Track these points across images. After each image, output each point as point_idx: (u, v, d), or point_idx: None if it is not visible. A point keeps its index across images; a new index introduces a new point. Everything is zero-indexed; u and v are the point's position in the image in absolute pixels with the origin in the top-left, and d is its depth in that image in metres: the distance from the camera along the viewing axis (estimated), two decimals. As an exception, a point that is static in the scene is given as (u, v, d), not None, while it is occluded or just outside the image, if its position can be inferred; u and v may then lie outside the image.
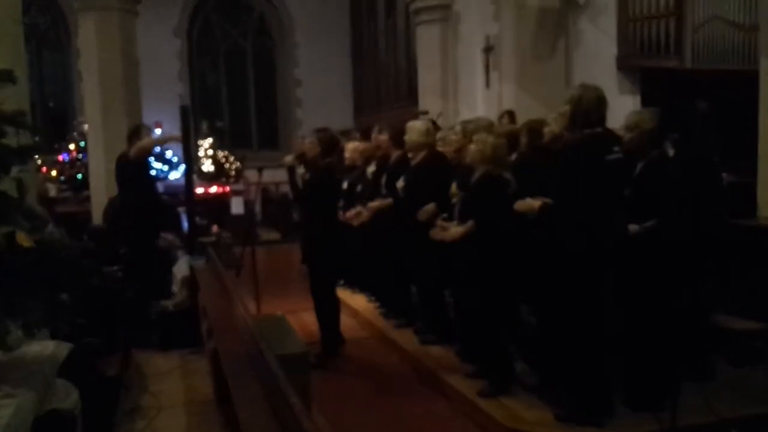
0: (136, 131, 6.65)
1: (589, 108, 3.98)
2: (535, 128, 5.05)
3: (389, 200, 6.15)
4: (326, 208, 5.75)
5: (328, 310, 5.85)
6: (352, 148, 7.66)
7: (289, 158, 6.04)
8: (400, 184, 5.85)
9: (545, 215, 4.11)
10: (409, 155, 5.99)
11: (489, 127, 5.38)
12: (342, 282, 8.22)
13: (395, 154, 6.29)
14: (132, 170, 6.45)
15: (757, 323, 5.19)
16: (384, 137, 6.47)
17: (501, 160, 4.59)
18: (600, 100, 4.02)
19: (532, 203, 4.19)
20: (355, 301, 7.62)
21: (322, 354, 5.68)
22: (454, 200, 4.99)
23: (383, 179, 6.36)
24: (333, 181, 5.80)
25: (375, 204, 6.32)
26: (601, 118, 4.04)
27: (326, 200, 5.74)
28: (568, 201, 3.96)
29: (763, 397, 4.50)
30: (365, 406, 4.96)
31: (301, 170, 6.01)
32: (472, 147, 4.67)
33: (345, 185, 6.92)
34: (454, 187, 5.04)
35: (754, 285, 5.27)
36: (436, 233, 4.85)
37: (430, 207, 5.32)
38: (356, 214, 6.45)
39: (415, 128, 5.81)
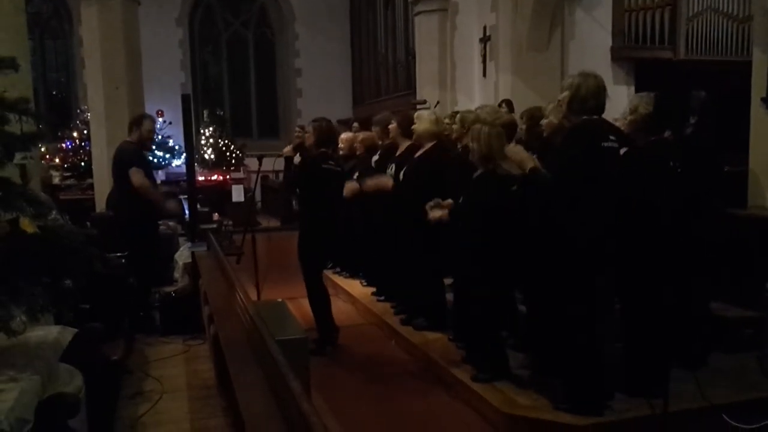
0: (139, 121, 6.65)
1: (587, 95, 3.93)
2: (535, 115, 5.05)
3: (390, 181, 6.03)
4: (316, 197, 5.66)
5: (317, 299, 5.82)
6: (346, 138, 7.69)
7: (288, 149, 6.09)
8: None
9: (532, 180, 4.07)
10: (414, 143, 5.97)
11: (490, 114, 5.35)
12: (338, 269, 8.31)
13: (404, 144, 6.19)
14: (130, 156, 6.46)
15: (749, 311, 5.23)
16: (393, 126, 6.41)
17: (498, 150, 4.44)
18: (599, 88, 3.97)
19: (526, 158, 4.10)
20: (353, 288, 7.67)
21: (319, 340, 5.71)
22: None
23: (391, 168, 6.24)
24: (323, 171, 5.63)
25: (373, 181, 6.18)
26: (600, 106, 3.99)
27: (316, 190, 5.63)
28: (563, 187, 3.93)
29: (754, 384, 4.56)
30: (363, 391, 5.00)
31: (297, 159, 6.06)
32: (471, 144, 4.58)
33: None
34: None
35: (745, 273, 5.31)
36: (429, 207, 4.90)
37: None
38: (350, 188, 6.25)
39: (424, 117, 5.80)
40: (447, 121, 6.40)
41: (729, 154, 5.90)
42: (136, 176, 6.31)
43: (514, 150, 4.24)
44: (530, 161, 4.05)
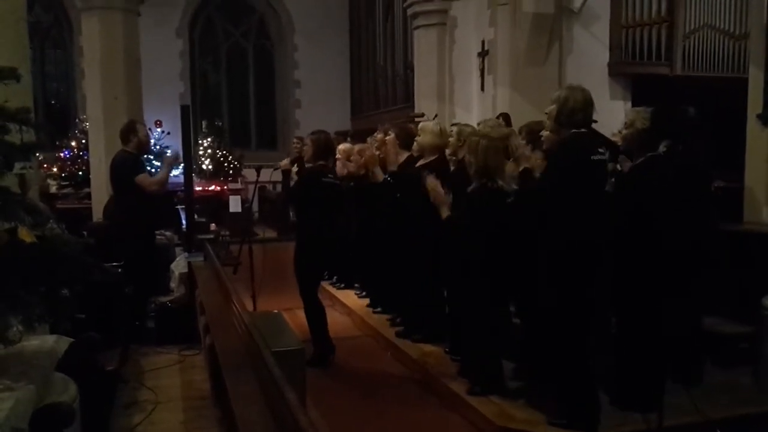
0: (132, 128, 6.60)
1: (574, 108, 3.95)
2: (534, 129, 5.06)
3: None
4: (313, 210, 5.64)
5: (312, 314, 5.76)
6: (343, 149, 7.70)
7: (285, 161, 6.09)
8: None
9: (526, 187, 4.15)
10: (415, 154, 5.93)
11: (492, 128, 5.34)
12: (334, 279, 8.31)
13: (402, 155, 6.15)
14: (132, 165, 6.45)
15: (743, 326, 5.25)
16: (391, 137, 6.40)
17: (496, 165, 4.41)
18: (586, 101, 3.99)
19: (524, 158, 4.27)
20: (349, 299, 7.66)
21: (315, 354, 5.66)
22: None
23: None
24: (321, 184, 5.63)
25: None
26: (587, 119, 4.01)
27: (314, 202, 5.62)
28: (552, 199, 3.97)
29: (748, 398, 4.58)
30: (358, 403, 5.00)
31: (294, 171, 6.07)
32: (468, 156, 4.56)
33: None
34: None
35: (740, 288, 5.33)
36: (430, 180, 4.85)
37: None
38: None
39: (428, 129, 5.74)
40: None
41: (725, 170, 5.94)
42: (145, 180, 6.39)
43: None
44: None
